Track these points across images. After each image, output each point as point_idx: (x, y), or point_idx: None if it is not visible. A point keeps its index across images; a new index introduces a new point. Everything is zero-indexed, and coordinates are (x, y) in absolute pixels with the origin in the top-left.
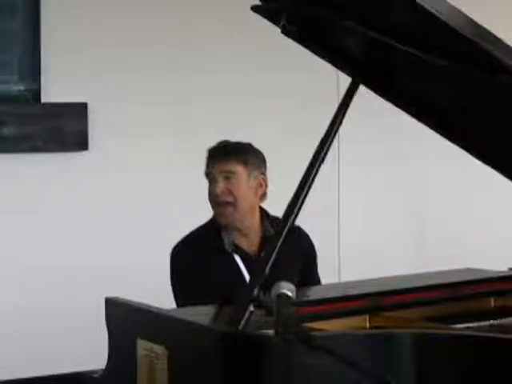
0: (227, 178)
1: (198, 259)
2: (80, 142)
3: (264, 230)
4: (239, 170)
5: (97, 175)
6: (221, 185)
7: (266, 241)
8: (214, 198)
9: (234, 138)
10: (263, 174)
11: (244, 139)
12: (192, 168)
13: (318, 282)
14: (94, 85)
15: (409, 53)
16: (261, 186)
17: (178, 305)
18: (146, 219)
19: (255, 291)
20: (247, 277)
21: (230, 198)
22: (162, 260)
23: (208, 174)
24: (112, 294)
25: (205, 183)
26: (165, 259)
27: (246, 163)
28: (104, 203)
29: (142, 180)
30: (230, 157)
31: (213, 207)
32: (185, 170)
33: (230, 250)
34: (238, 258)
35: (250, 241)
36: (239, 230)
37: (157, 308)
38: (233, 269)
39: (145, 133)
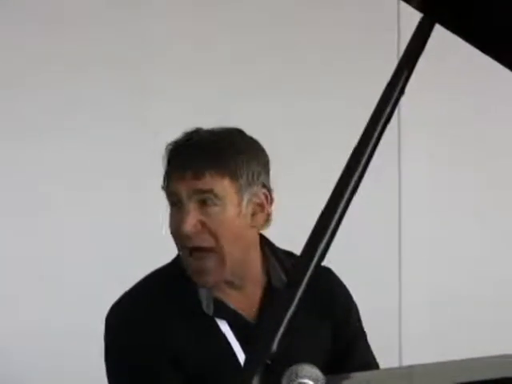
0: (203, 203)
1: (154, 329)
2: None
3: (269, 277)
4: (224, 187)
5: None
6: (192, 217)
7: (272, 294)
8: (179, 239)
9: (210, 123)
10: (265, 185)
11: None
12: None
13: (367, 358)
14: None
15: None
16: (262, 207)
17: None
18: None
19: (255, 381)
20: (241, 356)
21: (207, 241)
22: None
23: (168, 194)
24: None
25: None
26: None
27: (235, 174)
28: None
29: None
30: (208, 164)
31: (178, 250)
32: (113, 175)
33: (209, 313)
34: (223, 326)
35: (246, 295)
36: (227, 281)
37: None
38: (216, 342)
39: (50, 120)
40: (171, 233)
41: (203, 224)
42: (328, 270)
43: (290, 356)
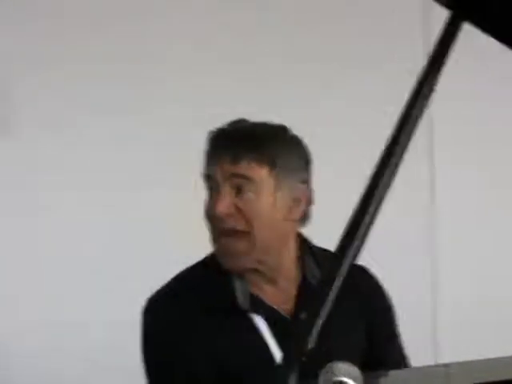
0: (238, 189)
1: (189, 326)
2: None
3: (304, 273)
4: (261, 175)
5: None
6: (227, 199)
7: (307, 290)
8: (212, 221)
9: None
10: (305, 182)
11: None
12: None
13: (399, 358)
14: None
15: None
16: (299, 203)
17: None
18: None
19: (292, 379)
20: (276, 352)
21: (241, 225)
22: None
23: (206, 178)
24: None
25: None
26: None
27: (273, 164)
28: None
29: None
30: (246, 150)
31: (211, 236)
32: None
33: (245, 308)
34: (259, 321)
35: (281, 291)
36: (261, 274)
37: None
38: (251, 338)
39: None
40: (205, 215)
41: (237, 208)
42: (365, 269)
43: (327, 353)
